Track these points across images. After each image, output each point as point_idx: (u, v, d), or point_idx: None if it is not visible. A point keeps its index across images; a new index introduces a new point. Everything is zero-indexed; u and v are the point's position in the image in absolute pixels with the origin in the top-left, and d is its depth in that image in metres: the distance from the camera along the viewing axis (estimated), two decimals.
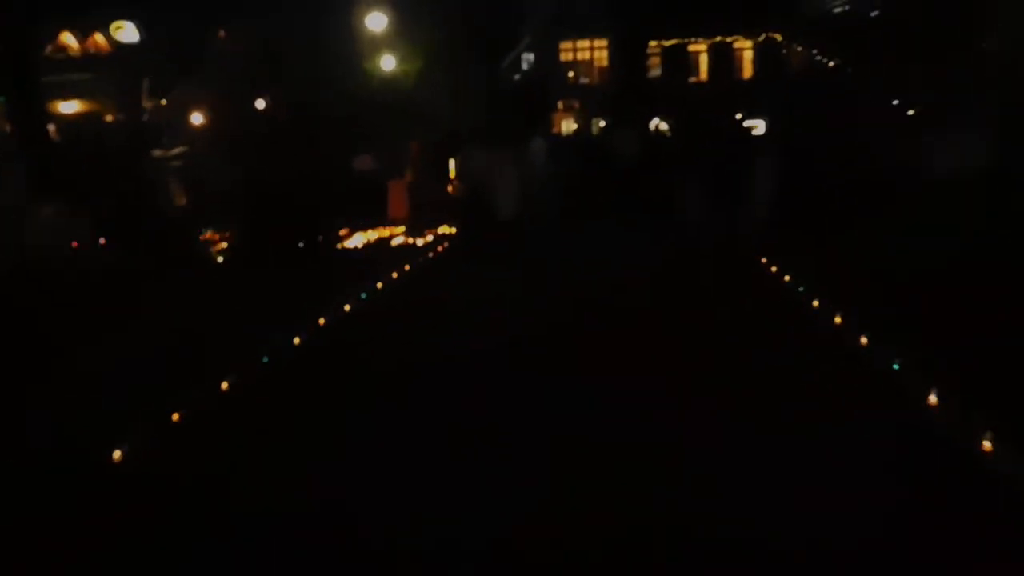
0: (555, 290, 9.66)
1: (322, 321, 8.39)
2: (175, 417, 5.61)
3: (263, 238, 12.87)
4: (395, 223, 17.54)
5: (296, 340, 7.63)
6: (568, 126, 40.13)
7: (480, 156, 15.75)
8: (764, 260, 10.41)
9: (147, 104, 21.98)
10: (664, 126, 35.67)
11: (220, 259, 12.26)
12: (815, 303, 8.01)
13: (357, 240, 15.72)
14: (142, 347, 7.44)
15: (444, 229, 16.62)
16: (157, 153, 13.63)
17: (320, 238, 15.08)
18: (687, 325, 7.75)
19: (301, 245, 12.95)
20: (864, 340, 6.64)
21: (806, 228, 12.27)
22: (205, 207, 12.79)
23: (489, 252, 13.24)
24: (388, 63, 28.33)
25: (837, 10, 47.97)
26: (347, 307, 9.08)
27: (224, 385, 6.31)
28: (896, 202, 12.66)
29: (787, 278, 9.37)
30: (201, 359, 6.96)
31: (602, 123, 38.00)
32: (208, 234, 12.51)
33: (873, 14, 44.93)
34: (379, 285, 10.42)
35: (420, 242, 15.58)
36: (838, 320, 7.31)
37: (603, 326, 7.94)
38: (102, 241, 11.35)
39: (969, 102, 16.62)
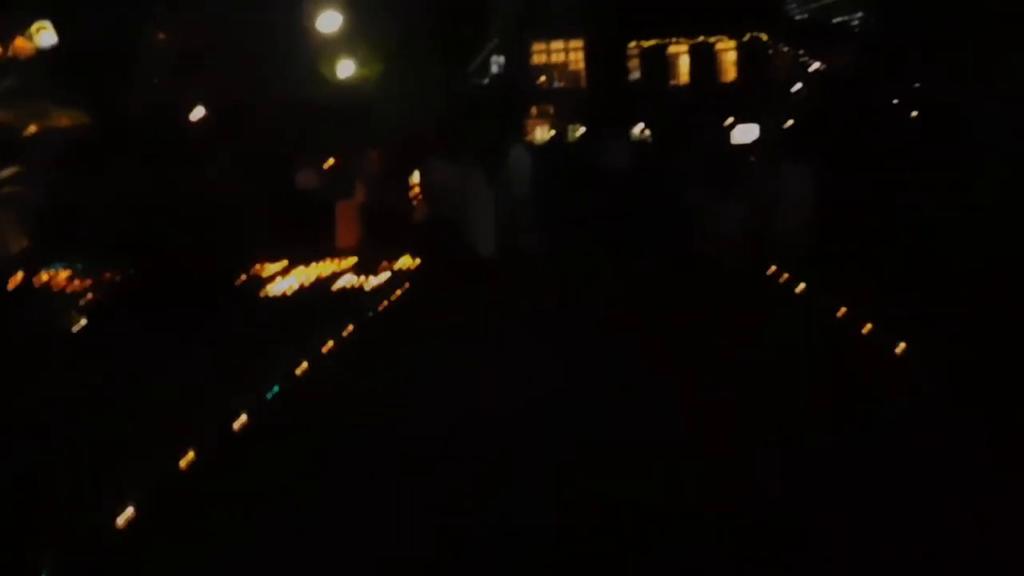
0: (580, 396, 6.18)
1: (190, 456, 4.94)
2: None
3: (152, 285, 9.36)
4: (345, 254, 14.15)
5: (127, 512, 4.17)
6: (543, 133, 37.04)
7: (448, 171, 12.29)
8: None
9: None
10: (647, 132, 32.80)
11: (82, 322, 8.56)
12: None
13: (292, 280, 12.21)
14: None
15: (405, 262, 13.33)
16: None
17: (241, 280, 11.66)
18: None
19: (206, 293, 9.47)
20: None
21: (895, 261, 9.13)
22: (63, 248, 9.23)
23: (464, 311, 9.51)
24: (345, 68, 25.12)
25: (798, 18, 45.19)
26: (240, 421, 5.64)
27: None
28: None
29: None
30: None
31: (580, 129, 35.12)
32: (69, 283, 8.89)
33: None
34: (300, 368, 6.97)
35: (375, 280, 12.17)
36: None
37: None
38: None
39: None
